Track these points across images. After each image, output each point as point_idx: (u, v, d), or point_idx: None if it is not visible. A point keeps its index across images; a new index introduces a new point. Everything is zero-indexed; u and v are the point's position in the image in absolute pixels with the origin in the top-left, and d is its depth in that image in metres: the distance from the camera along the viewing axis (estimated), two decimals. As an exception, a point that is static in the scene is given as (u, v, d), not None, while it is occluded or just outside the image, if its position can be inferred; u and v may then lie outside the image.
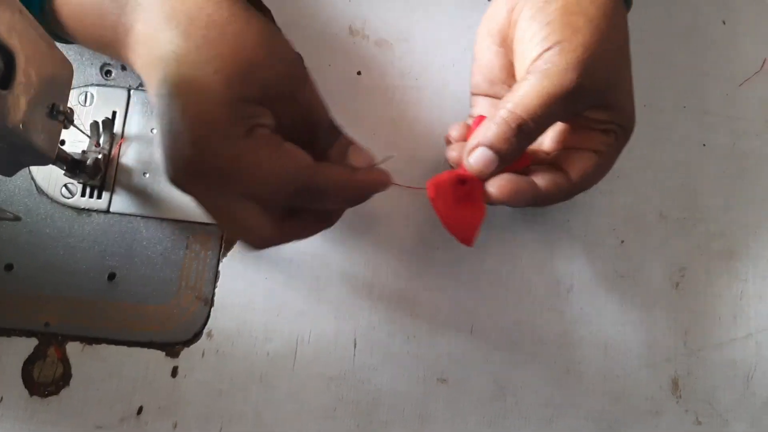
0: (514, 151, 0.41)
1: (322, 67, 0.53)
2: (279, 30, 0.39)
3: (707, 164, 0.54)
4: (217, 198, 0.37)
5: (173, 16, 0.36)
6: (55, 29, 0.42)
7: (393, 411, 0.49)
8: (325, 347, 0.49)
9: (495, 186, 0.41)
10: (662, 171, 0.54)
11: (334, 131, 0.42)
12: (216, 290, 0.49)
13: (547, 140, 0.47)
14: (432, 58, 0.54)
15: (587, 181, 0.43)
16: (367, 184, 0.40)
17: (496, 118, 0.40)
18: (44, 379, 0.47)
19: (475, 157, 0.41)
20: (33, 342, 0.47)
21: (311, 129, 0.41)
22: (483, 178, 0.41)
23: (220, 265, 0.50)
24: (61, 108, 0.39)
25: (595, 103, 0.41)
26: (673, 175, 0.54)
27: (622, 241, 0.52)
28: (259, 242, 0.40)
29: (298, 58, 0.39)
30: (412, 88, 0.53)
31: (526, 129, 0.40)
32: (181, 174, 0.36)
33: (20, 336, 0.47)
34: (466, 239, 0.43)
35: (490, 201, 0.42)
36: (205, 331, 0.49)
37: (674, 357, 0.51)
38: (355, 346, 0.49)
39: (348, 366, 0.49)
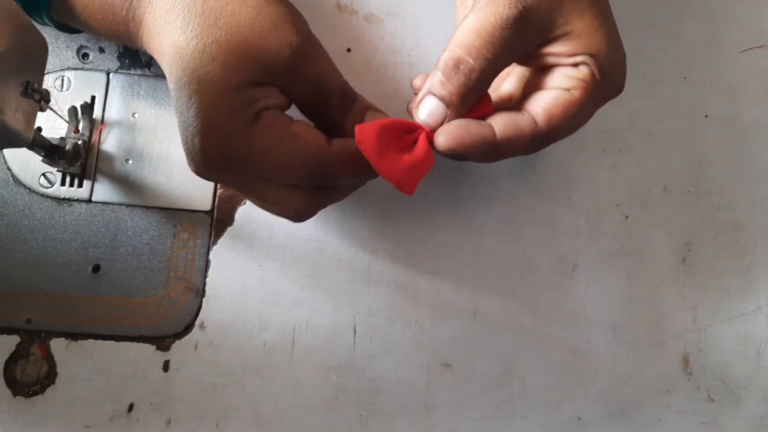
0: (462, 95, 0.37)
1: (311, 44, 0.50)
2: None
3: (710, 135, 0.53)
4: (242, 183, 0.38)
5: (173, 6, 0.35)
6: (67, 20, 0.41)
7: (396, 400, 0.47)
8: (324, 336, 0.47)
9: (442, 133, 0.37)
10: (665, 143, 0.52)
11: (348, 98, 0.40)
12: (207, 280, 0.47)
13: (512, 87, 0.43)
14: (424, 32, 0.52)
15: (557, 125, 0.38)
16: None
17: (437, 63, 0.37)
18: (28, 378, 0.45)
19: (422, 108, 0.38)
20: (14, 340, 0.45)
21: (322, 100, 0.39)
22: (434, 129, 0.38)
23: (211, 253, 0.47)
24: (36, 86, 0.36)
25: (547, 32, 0.37)
26: (676, 147, 0.52)
27: (627, 217, 0.51)
28: (295, 216, 0.40)
29: (300, 31, 0.37)
30: (405, 64, 0.51)
31: (467, 68, 0.36)
32: (201, 166, 0.36)
33: (0, 334, 0.45)
34: (407, 188, 0.37)
35: (441, 153, 0.38)
36: (197, 322, 0.46)
37: (684, 334, 0.49)
38: (354, 334, 0.47)
39: (348, 355, 0.47)
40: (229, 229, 0.48)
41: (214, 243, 0.47)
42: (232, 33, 0.34)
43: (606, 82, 0.38)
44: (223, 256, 0.47)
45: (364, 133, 0.37)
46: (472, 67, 0.36)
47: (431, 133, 0.38)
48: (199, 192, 0.48)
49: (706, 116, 0.53)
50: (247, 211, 0.48)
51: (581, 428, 0.47)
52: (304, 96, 0.38)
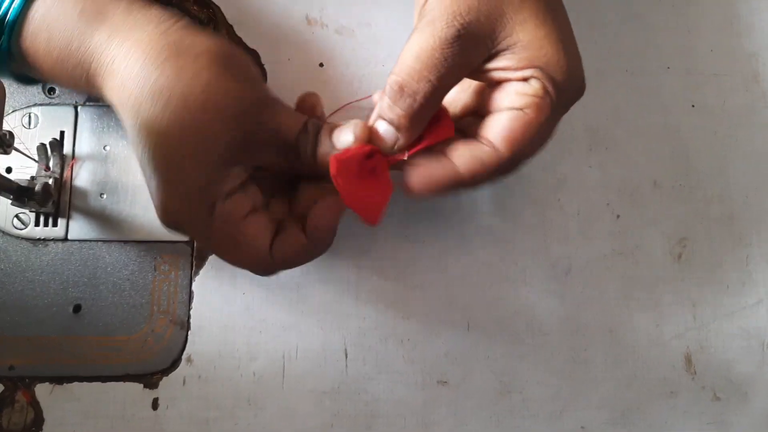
0: (410, 117, 0.36)
1: (281, 62, 0.49)
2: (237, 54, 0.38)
3: (698, 126, 0.51)
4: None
5: (129, 55, 0.35)
6: (29, 73, 0.41)
7: (394, 421, 0.45)
8: (315, 361, 0.46)
9: (411, 180, 0.38)
10: (652, 137, 0.51)
11: (314, 128, 0.38)
12: (191, 312, 0.46)
13: (470, 100, 0.42)
14: (398, 42, 0.49)
15: (519, 149, 0.36)
16: (321, 233, 0.39)
17: (385, 87, 0.36)
18: (14, 426, 0.44)
19: (376, 131, 0.38)
20: (-2, 388, 0.44)
21: (286, 143, 0.38)
22: (386, 152, 0.38)
23: (193, 284, 0.46)
24: (-5, 132, 0.35)
25: (490, 47, 0.36)
26: (664, 140, 0.51)
27: (618, 216, 0.49)
28: (260, 271, 0.40)
29: (253, 89, 0.37)
30: (380, 75, 0.50)
31: (411, 91, 0.35)
32: (165, 224, 0.38)
33: (-17, 383, 0.44)
34: (371, 218, 0.39)
35: (411, 197, 0.38)
36: (184, 356, 0.45)
37: (684, 332, 0.48)
38: (346, 357, 0.46)
39: (341, 378, 0.46)
40: (210, 258, 0.47)
41: (196, 273, 0.46)
42: (185, 108, 0.35)
43: (561, 92, 0.36)
44: (206, 286, 0.46)
45: (339, 167, 0.37)
46: (416, 90, 0.35)
47: (390, 159, 0.38)
48: (178, 222, 0.47)
49: (693, 106, 0.52)
50: (228, 239, 0.47)
51: (585, 437, 0.46)
52: (268, 144, 0.37)
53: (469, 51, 0.35)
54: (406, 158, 0.38)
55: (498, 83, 0.37)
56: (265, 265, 0.38)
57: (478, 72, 0.37)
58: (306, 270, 0.47)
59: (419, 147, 0.38)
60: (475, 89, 0.42)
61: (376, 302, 0.47)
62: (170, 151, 0.35)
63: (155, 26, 0.36)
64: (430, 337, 0.47)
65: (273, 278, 0.46)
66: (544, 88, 0.36)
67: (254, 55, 0.49)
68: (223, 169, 0.36)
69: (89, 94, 0.47)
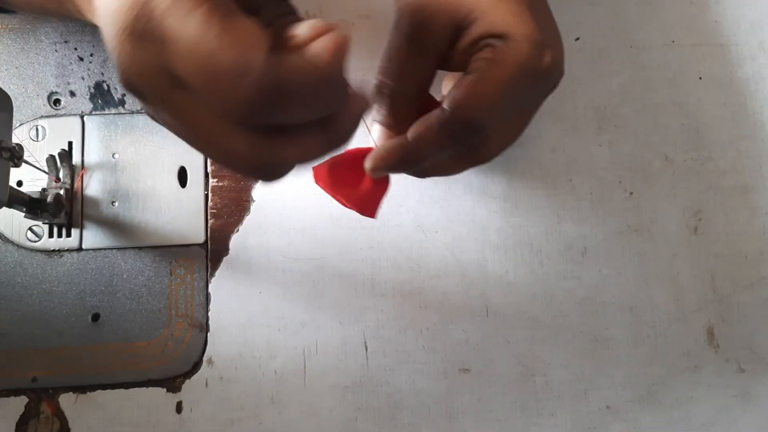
0: (392, 115, 0.38)
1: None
2: None
3: (706, 98, 0.51)
4: (175, 105, 0.28)
5: None
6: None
7: (417, 412, 0.45)
8: (335, 356, 0.46)
9: (367, 160, 0.38)
10: (661, 112, 0.50)
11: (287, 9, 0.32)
12: (209, 314, 0.46)
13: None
14: (399, 32, 0.50)
15: (464, 107, 0.35)
16: (324, 55, 0.27)
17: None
18: (41, 438, 0.44)
19: (373, 134, 0.39)
20: (23, 400, 0.44)
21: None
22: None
23: (210, 286, 0.46)
24: (5, 144, 0.35)
25: (452, 28, 0.36)
26: (673, 114, 0.50)
27: (631, 193, 0.49)
28: (242, 165, 0.30)
29: None
30: (383, 67, 0.49)
31: (387, 90, 0.37)
32: (127, 66, 0.27)
33: (8, 396, 0.44)
34: (368, 211, 0.40)
35: (376, 175, 0.38)
36: (205, 358, 0.45)
37: (705, 306, 0.48)
38: (366, 350, 0.46)
39: (362, 372, 0.46)
40: (225, 258, 0.47)
41: (212, 275, 0.46)
42: None
43: (522, 59, 0.35)
44: (222, 287, 0.46)
45: (319, 173, 0.38)
46: (392, 89, 0.36)
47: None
48: (191, 225, 0.47)
49: (700, 78, 0.51)
50: (242, 239, 0.47)
51: (611, 417, 0.46)
52: None
53: (432, 38, 0.36)
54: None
55: (466, 64, 0.37)
56: (275, 67, 0.26)
57: (450, 60, 0.37)
58: (321, 265, 0.47)
59: None
60: (453, 80, 0.41)
61: (393, 293, 0.47)
62: None
63: None
64: (449, 325, 0.47)
65: (289, 276, 0.46)
66: (495, 51, 0.35)
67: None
68: None
69: (64, 15, 0.41)
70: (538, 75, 0.36)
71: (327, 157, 0.32)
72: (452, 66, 0.38)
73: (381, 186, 0.40)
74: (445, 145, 0.36)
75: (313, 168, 0.38)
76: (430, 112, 0.37)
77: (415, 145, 0.36)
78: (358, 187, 0.39)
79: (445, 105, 0.35)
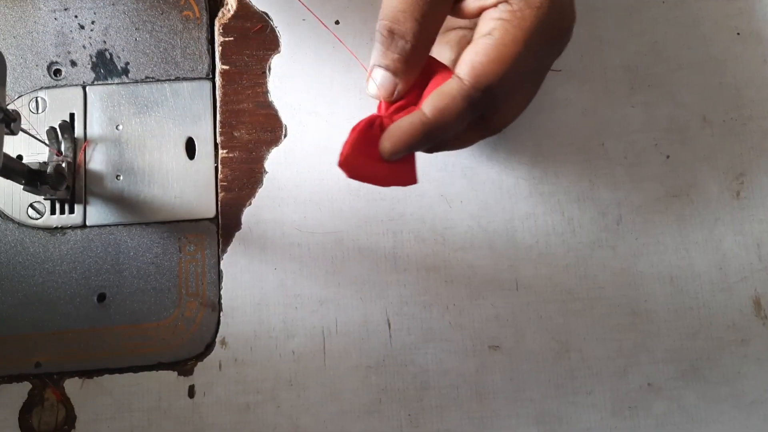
0: (405, 60, 0.35)
1: (296, 22, 0.46)
2: None
3: (745, 54, 0.48)
4: None
5: None
6: None
7: (446, 392, 0.42)
8: (357, 334, 0.43)
9: (383, 141, 0.36)
10: (696, 71, 0.47)
11: None
12: (222, 292, 0.43)
13: (453, 53, 0.41)
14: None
15: (484, 75, 0.34)
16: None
17: (375, 35, 0.36)
18: (46, 426, 0.41)
19: (371, 82, 0.36)
20: (26, 387, 0.42)
21: None
22: (388, 100, 0.37)
23: (222, 263, 0.43)
24: (-2, 105, 0.33)
25: None
26: (710, 73, 0.47)
27: (668, 156, 0.46)
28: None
29: None
30: (401, 29, 0.47)
31: (401, 33, 0.34)
32: None
33: (10, 382, 0.42)
34: (409, 180, 0.38)
35: (391, 158, 0.36)
36: (218, 339, 0.43)
37: (750, 274, 0.45)
38: (389, 327, 0.43)
39: (386, 351, 0.43)
40: (237, 234, 0.44)
41: (224, 251, 0.44)
42: None
43: (537, 16, 0.34)
44: (235, 264, 0.43)
45: (347, 164, 0.36)
46: (405, 31, 0.34)
47: (388, 117, 0.37)
48: (200, 199, 0.44)
49: (738, 34, 0.48)
50: (254, 212, 0.44)
51: (653, 394, 0.43)
52: None
53: None
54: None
55: (477, 14, 0.36)
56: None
57: (458, 8, 0.36)
58: (339, 239, 0.44)
59: (423, 99, 0.37)
60: (458, 41, 0.40)
61: (417, 268, 0.44)
62: None
63: None
64: (477, 300, 0.44)
65: (305, 251, 0.44)
66: (511, 10, 0.34)
67: (265, 18, 0.46)
68: None
69: None
70: (559, 34, 0.36)
71: None
72: (456, 12, 0.37)
73: None
74: (465, 118, 0.35)
75: (340, 166, 0.36)
76: (438, 78, 0.36)
77: (437, 122, 0.35)
78: (384, 163, 0.37)
79: (462, 74, 0.34)
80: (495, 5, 0.34)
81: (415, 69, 0.36)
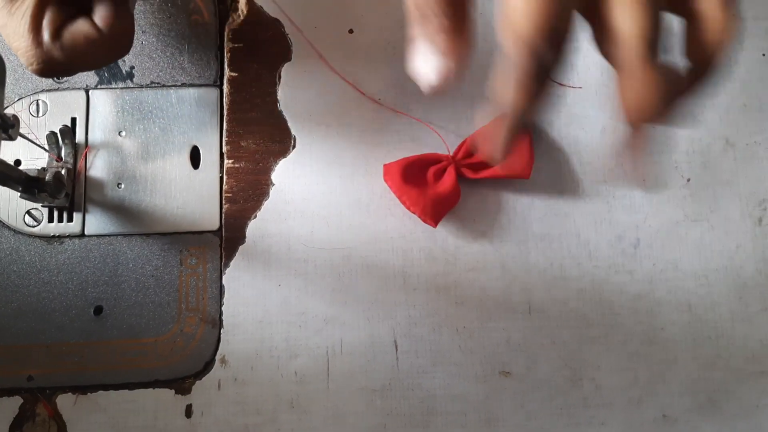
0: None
1: (308, 29, 0.45)
2: None
3: (769, 77, 0.46)
4: None
5: None
6: None
7: (453, 418, 0.41)
8: (362, 356, 0.41)
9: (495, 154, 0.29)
10: (720, 91, 0.46)
11: None
12: (223, 308, 0.42)
13: None
14: None
15: None
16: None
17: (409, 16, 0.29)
18: (36, 443, 0.40)
19: (417, 60, 0.26)
20: (17, 401, 0.40)
21: None
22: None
23: (224, 277, 0.42)
24: (-5, 110, 0.31)
25: None
26: (734, 94, 0.46)
27: (689, 180, 0.44)
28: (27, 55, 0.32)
29: None
30: (416, 40, 0.45)
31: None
32: None
33: (1, 396, 0.40)
34: (430, 218, 0.41)
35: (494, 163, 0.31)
36: (218, 357, 0.41)
37: (772, 305, 0.43)
38: (396, 349, 0.41)
39: (392, 374, 0.41)
40: (241, 247, 0.42)
41: (227, 265, 0.42)
42: None
43: None
44: (238, 279, 0.42)
45: (390, 172, 0.41)
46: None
47: (458, 163, 0.42)
48: (204, 210, 0.43)
49: (764, 55, 0.47)
50: (259, 225, 0.42)
51: (668, 427, 0.41)
52: None
53: None
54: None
55: None
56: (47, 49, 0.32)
57: None
58: (347, 256, 0.42)
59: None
60: None
61: (426, 288, 0.42)
62: None
63: None
64: (488, 323, 0.42)
65: (311, 267, 0.42)
66: None
67: (277, 24, 0.45)
68: None
69: None
70: None
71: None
72: None
73: (451, 197, 0.41)
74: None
75: (385, 165, 0.41)
76: None
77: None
78: (426, 192, 0.41)
79: None
80: None
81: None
